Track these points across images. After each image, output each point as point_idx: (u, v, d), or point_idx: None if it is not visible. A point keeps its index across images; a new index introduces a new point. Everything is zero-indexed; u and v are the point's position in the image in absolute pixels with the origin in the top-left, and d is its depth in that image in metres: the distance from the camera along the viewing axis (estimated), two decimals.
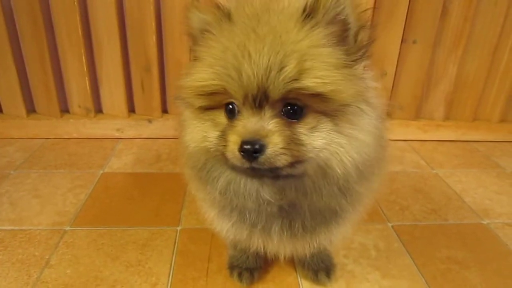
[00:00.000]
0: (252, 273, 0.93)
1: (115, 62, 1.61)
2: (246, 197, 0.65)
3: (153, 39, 1.56)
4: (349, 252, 1.05)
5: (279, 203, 0.67)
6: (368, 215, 0.82)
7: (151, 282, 0.93)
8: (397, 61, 1.67)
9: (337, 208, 0.69)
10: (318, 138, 0.59)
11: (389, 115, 1.75)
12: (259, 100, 0.57)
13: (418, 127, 1.80)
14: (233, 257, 0.96)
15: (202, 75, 0.59)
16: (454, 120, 1.82)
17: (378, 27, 1.54)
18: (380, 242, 1.10)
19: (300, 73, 0.54)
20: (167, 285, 0.92)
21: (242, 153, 0.56)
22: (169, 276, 0.95)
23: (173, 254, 1.02)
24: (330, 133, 0.59)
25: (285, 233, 0.71)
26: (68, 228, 1.11)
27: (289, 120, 0.58)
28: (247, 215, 0.71)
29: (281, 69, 0.54)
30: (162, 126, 1.72)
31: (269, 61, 0.54)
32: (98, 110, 1.74)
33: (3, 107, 1.69)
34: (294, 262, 0.99)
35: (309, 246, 0.77)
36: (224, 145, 0.59)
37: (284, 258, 0.83)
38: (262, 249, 0.78)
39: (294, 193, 0.65)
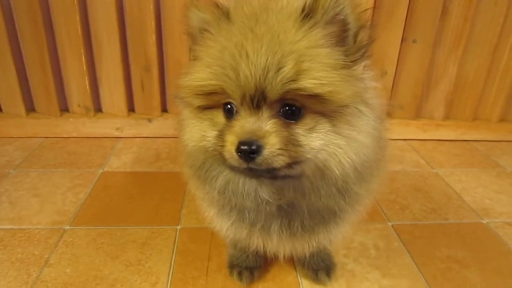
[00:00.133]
0: (252, 272, 0.93)
1: (115, 61, 1.61)
2: (244, 196, 0.65)
3: (153, 38, 1.56)
4: (349, 252, 1.05)
5: (278, 203, 0.67)
6: (368, 215, 0.82)
7: (151, 281, 0.93)
8: (397, 61, 1.67)
9: (336, 208, 0.69)
10: (316, 139, 0.58)
11: (389, 114, 1.75)
12: (257, 101, 0.56)
13: (418, 127, 1.80)
14: (233, 256, 0.96)
15: (200, 75, 0.59)
16: (454, 120, 1.82)
17: (378, 27, 1.54)
18: (380, 241, 1.10)
19: (298, 74, 0.53)
20: (167, 284, 0.92)
21: (239, 153, 0.56)
22: (169, 275, 0.95)
23: (173, 253, 1.02)
24: (328, 134, 0.58)
25: (285, 232, 0.71)
26: (67, 227, 1.11)
27: (287, 120, 0.58)
28: (246, 214, 0.71)
29: (279, 69, 0.53)
30: (161, 125, 1.72)
31: (266, 61, 0.53)
32: (98, 109, 1.74)
33: (2, 106, 1.69)
34: (294, 261, 0.99)
35: (309, 246, 0.76)
36: (222, 145, 0.59)
37: (284, 257, 0.82)
38: (261, 248, 0.78)
39: (292, 193, 0.65)
